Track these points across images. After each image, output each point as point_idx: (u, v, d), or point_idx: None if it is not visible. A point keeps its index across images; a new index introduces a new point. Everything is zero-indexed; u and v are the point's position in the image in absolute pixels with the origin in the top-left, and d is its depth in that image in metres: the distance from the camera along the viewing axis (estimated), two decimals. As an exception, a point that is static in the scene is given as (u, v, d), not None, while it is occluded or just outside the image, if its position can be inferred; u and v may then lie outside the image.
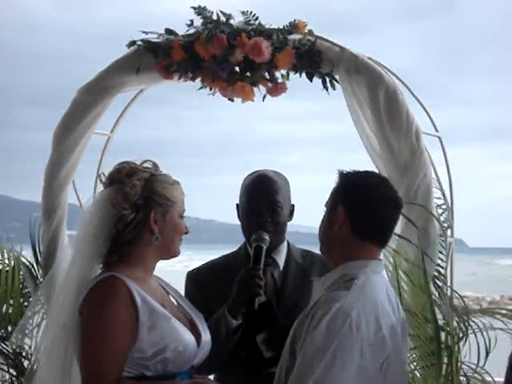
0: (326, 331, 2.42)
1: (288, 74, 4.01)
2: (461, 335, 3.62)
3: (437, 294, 3.69)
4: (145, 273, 2.75)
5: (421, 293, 3.62)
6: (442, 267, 3.80)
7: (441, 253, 3.83)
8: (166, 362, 2.63)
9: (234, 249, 3.41)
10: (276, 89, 4.00)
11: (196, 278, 3.33)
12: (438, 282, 3.75)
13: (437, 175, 3.98)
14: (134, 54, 4.11)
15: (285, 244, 3.33)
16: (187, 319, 2.81)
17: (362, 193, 2.63)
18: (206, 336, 2.80)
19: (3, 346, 4.43)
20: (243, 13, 3.97)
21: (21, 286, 4.48)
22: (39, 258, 4.46)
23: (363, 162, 3.84)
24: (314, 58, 3.88)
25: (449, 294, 3.78)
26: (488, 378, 3.70)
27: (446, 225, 3.90)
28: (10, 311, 4.43)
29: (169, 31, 4.05)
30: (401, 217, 2.99)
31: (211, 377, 3.17)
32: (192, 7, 3.98)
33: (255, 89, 4.05)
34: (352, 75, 3.87)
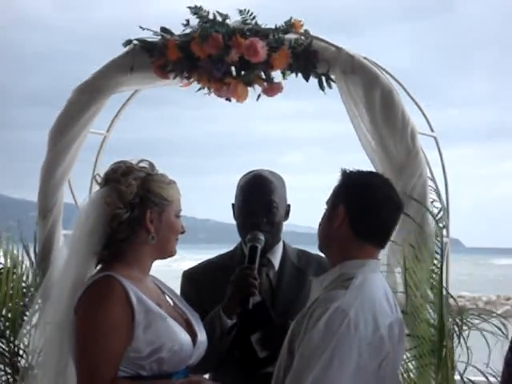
0: (324, 330, 2.43)
1: (284, 74, 4.01)
2: (455, 335, 3.62)
3: (432, 294, 3.70)
4: (141, 272, 2.75)
5: (416, 293, 3.63)
6: (438, 267, 3.80)
7: (437, 253, 3.84)
8: (161, 362, 2.63)
9: (231, 248, 3.41)
10: (272, 88, 4.00)
11: (192, 278, 3.33)
12: (433, 282, 3.75)
13: (432, 175, 3.99)
14: (130, 54, 4.11)
15: (280, 244, 3.33)
16: (183, 319, 2.81)
17: (363, 193, 2.64)
18: (202, 336, 2.80)
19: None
20: (241, 11, 3.97)
21: (18, 285, 4.47)
22: (33, 258, 4.46)
23: (361, 162, 3.83)
24: (310, 58, 3.88)
25: (444, 293, 3.78)
26: (482, 378, 3.71)
27: (441, 225, 3.90)
28: (6, 311, 4.43)
29: (164, 30, 4.05)
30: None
31: (206, 376, 3.17)
32: (188, 7, 3.98)
33: (252, 89, 4.06)
34: (348, 75, 3.87)
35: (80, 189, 4.56)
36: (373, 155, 3.93)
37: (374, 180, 2.71)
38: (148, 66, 4.09)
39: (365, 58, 3.94)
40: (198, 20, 3.98)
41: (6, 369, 4.44)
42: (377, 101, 3.83)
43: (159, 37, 4.05)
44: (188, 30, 4.00)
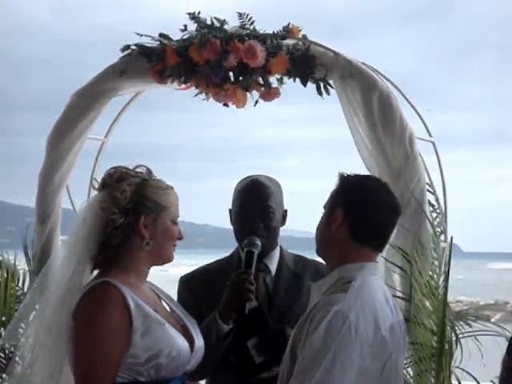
0: (324, 334, 2.43)
1: (282, 79, 4.01)
2: (454, 340, 3.62)
3: (430, 299, 3.70)
4: (138, 278, 2.75)
5: (415, 298, 3.63)
6: (436, 273, 3.80)
7: (435, 258, 3.83)
8: (159, 368, 2.62)
9: (228, 254, 3.41)
10: (269, 93, 4.00)
11: (188, 283, 3.33)
12: (431, 286, 3.75)
13: (430, 180, 3.98)
14: (127, 59, 4.11)
15: (277, 249, 3.33)
16: (180, 325, 2.81)
17: (361, 197, 2.65)
18: (199, 341, 2.80)
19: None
20: (240, 15, 3.97)
21: (14, 291, 4.47)
22: (31, 263, 4.45)
23: (359, 166, 3.84)
24: (307, 63, 3.88)
25: (443, 298, 3.78)
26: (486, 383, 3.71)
27: (439, 229, 3.90)
28: (4, 318, 4.42)
29: (163, 36, 4.05)
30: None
31: (203, 382, 3.17)
32: (187, 13, 3.99)
33: (250, 94, 4.06)
34: (346, 80, 3.87)
35: (78, 195, 4.55)
36: (370, 160, 3.93)
37: (372, 184, 2.72)
38: (146, 71, 4.09)
39: (363, 62, 3.94)
40: (195, 25, 3.98)
41: (3, 375, 4.43)
42: (375, 106, 3.83)
43: (157, 42, 4.05)
44: (186, 36, 4.00)
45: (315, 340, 2.43)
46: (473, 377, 3.64)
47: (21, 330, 3.40)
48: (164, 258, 2.81)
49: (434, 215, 3.93)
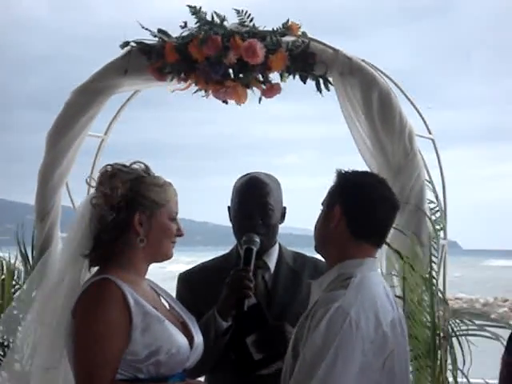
0: (325, 331, 2.43)
1: (283, 76, 4.01)
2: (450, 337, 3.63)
3: (429, 296, 3.70)
4: (137, 275, 2.75)
5: (412, 295, 3.64)
6: (435, 270, 3.80)
7: (433, 255, 3.84)
8: (158, 365, 2.63)
9: (227, 251, 3.41)
10: (271, 90, 4.00)
11: (187, 280, 3.33)
12: (429, 284, 3.75)
13: (430, 177, 3.99)
14: (127, 56, 4.11)
15: (276, 246, 3.33)
16: (179, 322, 2.81)
17: (359, 193, 2.65)
18: (199, 338, 2.80)
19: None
20: (238, 12, 3.97)
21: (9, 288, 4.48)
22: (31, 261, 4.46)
23: (358, 164, 3.83)
24: (307, 60, 3.88)
25: (441, 295, 3.78)
26: (478, 380, 3.71)
27: (438, 227, 3.91)
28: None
29: (162, 32, 4.05)
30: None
31: (201, 379, 3.17)
32: (188, 5, 3.98)
33: (249, 91, 4.06)
34: (346, 77, 3.88)
35: (78, 192, 4.55)
36: (370, 157, 3.93)
37: (370, 180, 2.72)
38: (145, 68, 4.09)
39: (362, 60, 3.95)
40: (195, 21, 3.98)
41: (2, 373, 4.43)
42: (374, 103, 3.83)
43: (157, 38, 4.05)
44: (185, 33, 4.00)
45: (316, 337, 2.43)
46: (464, 374, 3.64)
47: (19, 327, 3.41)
48: (162, 255, 2.80)
49: (434, 212, 3.93)
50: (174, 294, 3.13)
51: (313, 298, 2.66)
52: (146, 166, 2.81)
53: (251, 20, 3.96)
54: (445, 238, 3.97)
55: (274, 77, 4.02)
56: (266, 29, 3.96)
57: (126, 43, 4.09)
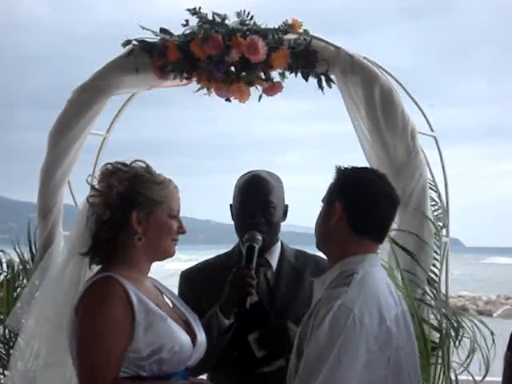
0: (329, 329, 2.42)
1: (284, 74, 4.01)
2: (453, 335, 3.63)
3: (431, 294, 3.70)
4: (140, 273, 2.75)
5: (415, 293, 3.64)
6: (437, 267, 3.80)
7: (436, 253, 3.84)
8: (161, 363, 2.62)
9: (230, 249, 3.41)
10: (272, 88, 4.00)
11: (189, 278, 3.34)
12: (431, 281, 3.75)
13: (432, 175, 3.99)
14: (129, 54, 4.10)
15: (278, 244, 3.33)
16: (182, 320, 2.81)
17: (359, 189, 2.64)
18: (202, 336, 2.80)
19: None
20: (238, 14, 3.97)
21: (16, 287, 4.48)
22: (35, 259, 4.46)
23: (359, 161, 3.82)
24: (309, 57, 3.88)
25: (443, 293, 3.78)
26: (478, 378, 3.72)
27: (441, 224, 3.90)
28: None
29: (164, 31, 4.04)
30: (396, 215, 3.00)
31: (204, 376, 3.17)
32: (187, 9, 3.98)
33: (251, 89, 4.06)
34: (347, 75, 3.87)
35: (80, 190, 4.55)
36: (372, 155, 3.93)
37: (370, 175, 2.72)
38: (148, 67, 4.09)
39: (364, 57, 3.94)
40: (197, 20, 3.98)
41: (5, 372, 4.44)
42: (376, 100, 3.83)
43: (158, 37, 4.05)
44: (187, 31, 4.00)
45: (321, 335, 2.43)
46: (469, 372, 3.64)
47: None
48: (163, 253, 2.79)
49: (436, 210, 3.93)
50: (175, 292, 3.13)
51: (315, 296, 2.66)
52: (147, 165, 2.81)
53: (251, 18, 3.96)
54: (447, 236, 3.97)
55: (277, 75, 4.02)
56: (267, 27, 3.96)
57: (128, 41, 4.08)
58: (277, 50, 3.86)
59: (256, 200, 3.22)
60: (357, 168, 2.72)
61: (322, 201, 2.72)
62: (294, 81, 3.99)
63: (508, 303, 25.11)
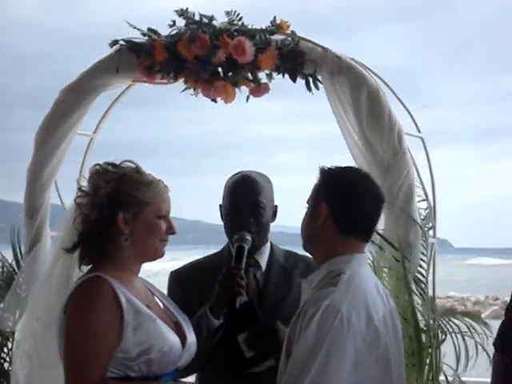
0: (317, 330, 2.43)
1: (271, 75, 4.01)
2: (441, 336, 3.64)
3: (418, 295, 3.71)
4: (130, 274, 2.75)
5: (400, 294, 3.64)
6: (424, 268, 3.81)
7: (423, 254, 3.84)
8: (150, 363, 2.62)
9: (219, 249, 3.41)
10: (259, 89, 4.01)
11: (178, 278, 3.33)
12: (419, 282, 3.76)
13: (419, 176, 4.00)
14: (116, 54, 4.10)
15: (268, 245, 3.33)
16: (172, 321, 2.81)
17: (344, 188, 2.66)
18: (192, 338, 2.80)
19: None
20: (227, 13, 3.97)
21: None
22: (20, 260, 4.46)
23: (349, 162, 3.84)
24: (296, 58, 3.89)
25: (430, 294, 3.79)
26: (468, 379, 3.72)
27: (428, 225, 3.91)
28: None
29: (151, 31, 4.04)
30: (382, 215, 3.01)
31: (193, 377, 3.17)
32: (175, 10, 3.98)
33: (238, 90, 4.06)
34: (335, 76, 3.88)
35: (67, 190, 4.55)
36: (359, 156, 3.94)
37: (353, 175, 2.73)
38: (135, 67, 4.08)
39: (352, 58, 3.95)
40: (184, 21, 3.98)
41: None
42: (363, 101, 3.84)
43: (146, 37, 4.05)
44: (174, 31, 4.00)
45: (308, 336, 2.43)
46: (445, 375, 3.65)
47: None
48: (151, 254, 2.79)
49: (423, 211, 3.94)
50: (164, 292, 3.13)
51: (303, 296, 2.66)
52: (136, 165, 2.80)
53: (240, 19, 3.97)
54: (434, 237, 3.97)
55: (264, 75, 4.02)
56: (255, 27, 3.96)
57: (115, 42, 4.08)
58: (264, 51, 3.87)
59: (245, 200, 3.22)
60: (340, 168, 2.73)
61: (307, 202, 2.72)
62: (286, 81, 4.00)
63: (497, 304, 25.16)
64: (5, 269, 4.53)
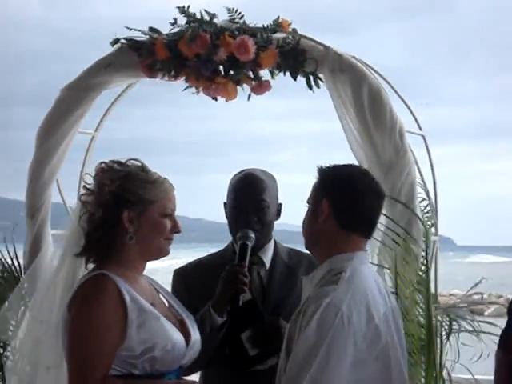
0: (317, 328, 2.43)
1: (273, 73, 4.01)
2: (444, 334, 3.63)
3: (420, 293, 3.70)
4: (134, 272, 2.75)
5: (405, 292, 3.64)
6: (427, 266, 3.80)
7: (425, 251, 3.84)
8: (154, 361, 2.62)
9: (222, 247, 3.41)
10: (260, 87, 4.01)
11: (183, 275, 3.34)
12: (421, 280, 3.76)
13: (421, 174, 4.00)
14: (117, 53, 4.10)
15: (271, 243, 3.33)
16: (177, 319, 2.81)
17: (344, 185, 2.66)
18: (196, 336, 2.80)
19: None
20: (229, 10, 3.97)
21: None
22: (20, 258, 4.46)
23: (351, 160, 3.84)
24: (297, 56, 3.89)
25: (432, 292, 3.79)
26: (471, 377, 3.72)
27: (429, 223, 3.91)
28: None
29: (152, 30, 4.04)
30: (385, 213, 3.01)
31: (197, 374, 3.18)
32: (177, 7, 3.98)
33: (240, 88, 4.06)
34: (336, 74, 3.88)
35: (69, 189, 4.55)
36: (361, 154, 3.94)
37: (353, 171, 2.73)
38: (136, 65, 4.08)
39: (353, 56, 3.95)
40: (185, 19, 3.98)
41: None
42: (365, 99, 3.84)
43: (147, 36, 4.04)
44: (175, 30, 4.00)
45: (309, 334, 2.43)
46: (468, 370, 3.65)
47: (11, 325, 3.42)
48: (156, 252, 2.79)
49: (425, 208, 3.94)
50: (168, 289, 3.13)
51: (304, 294, 2.66)
52: (142, 163, 2.80)
53: (241, 17, 3.96)
54: (436, 235, 3.97)
55: (265, 73, 4.02)
56: (256, 25, 3.96)
57: (116, 40, 4.08)
58: (265, 50, 3.87)
59: (249, 198, 3.22)
60: (339, 165, 2.73)
61: (308, 201, 2.72)
62: (286, 79, 3.99)
63: (499, 301, 25.10)
64: (6, 266, 4.53)
